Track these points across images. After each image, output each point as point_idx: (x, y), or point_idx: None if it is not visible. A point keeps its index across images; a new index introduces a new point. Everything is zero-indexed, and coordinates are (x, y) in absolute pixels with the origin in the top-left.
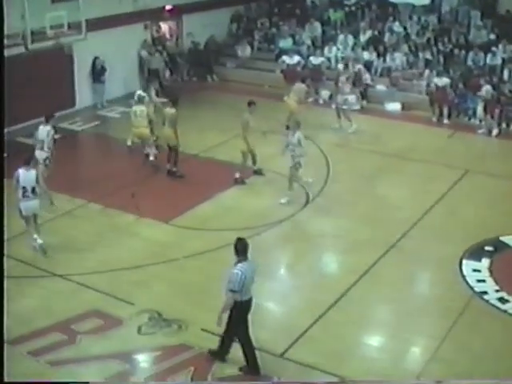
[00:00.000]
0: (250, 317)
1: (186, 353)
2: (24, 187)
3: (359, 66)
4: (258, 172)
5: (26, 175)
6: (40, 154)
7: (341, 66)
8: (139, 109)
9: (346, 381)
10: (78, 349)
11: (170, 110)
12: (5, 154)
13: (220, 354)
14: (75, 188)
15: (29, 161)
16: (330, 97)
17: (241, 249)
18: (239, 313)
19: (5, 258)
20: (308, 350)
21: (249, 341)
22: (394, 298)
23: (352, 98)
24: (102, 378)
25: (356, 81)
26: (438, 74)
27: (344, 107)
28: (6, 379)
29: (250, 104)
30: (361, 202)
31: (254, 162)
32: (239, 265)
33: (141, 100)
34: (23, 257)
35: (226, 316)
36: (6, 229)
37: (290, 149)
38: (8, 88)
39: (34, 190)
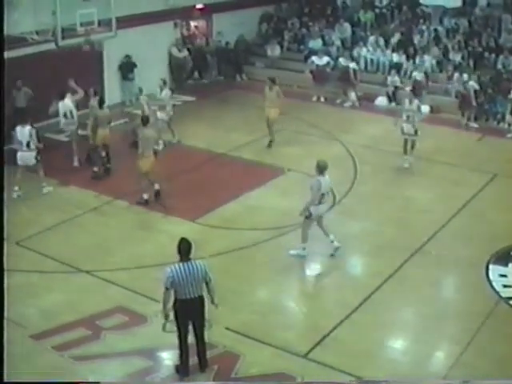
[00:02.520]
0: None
1: (210, 351)
2: (20, 141)
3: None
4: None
5: (22, 131)
6: (28, 155)
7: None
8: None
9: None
10: (102, 345)
11: (105, 111)
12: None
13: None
14: (102, 184)
15: (25, 118)
16: (359, 98)
17: (181, 249)
18: (176, 311)
19: (5, 258)
20: (332, 351)
21: (182, 342)
22: (418, 301)
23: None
24: (125, 375)
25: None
26: (469, 78)
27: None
28: (5, 379)
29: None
30: (387, 204)
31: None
32: (175, 264)
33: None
34: (50, 252)
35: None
36: (5, 229)
37: None
38: (38, 84)
39: (28, 143)
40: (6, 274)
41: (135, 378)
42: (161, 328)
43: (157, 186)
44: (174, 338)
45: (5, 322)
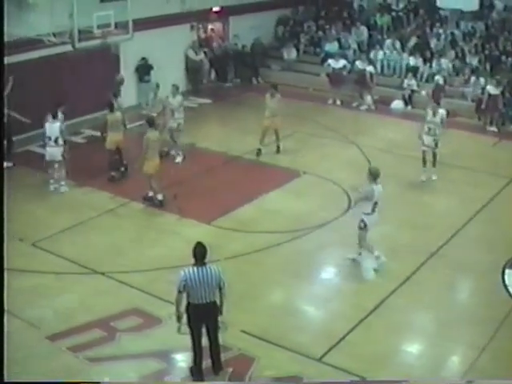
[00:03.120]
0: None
1: (224, 354)
2: (49, 137)
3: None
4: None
5: (51, 127)
6: (56, 151)
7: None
8: None
9: (398, 380)
10: (117, 346)
11: (116, 114)
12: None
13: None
14: (117, 186)
15: (55, 114)
16: (375, 102)
17: (196, 253)
18: (188, 315)
19: (5, 258)
20: (347, 355)
21: (196, 344)
22: (434, 305)
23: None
24: (139, 376)
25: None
26: (490, 82)
27: None
28: (5, 379)
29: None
30: (404, 207)
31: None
32: (189, 267)
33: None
34: (65, 253)
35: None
36: (5, 229)
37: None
38: (55, 86)
39: (56, 139)
40: (5, 273)
41: (149, 379)
42: (175, 330)
43: (160, 197)
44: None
45: (5, 320)
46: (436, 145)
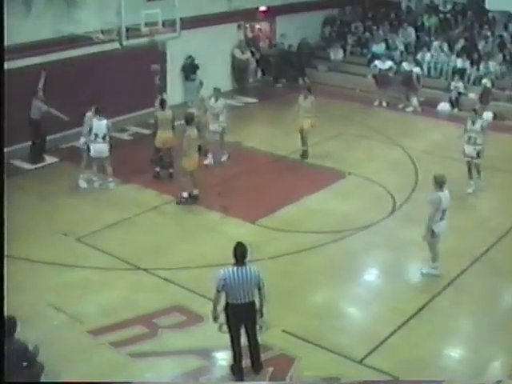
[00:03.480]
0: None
1: (265, 353)
2: (96, 133)
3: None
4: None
5: (98, 124)
6: (103, 148)
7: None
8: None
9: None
10: (158, 342)
11: (166, 112)
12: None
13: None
14: (163, 184)
15: (100, 111)
16: (421, 103)
17: (236, 253)
18: (227, 314)
19: (5, 258)
20: (387, 358)
21: (235, 344)
22: (477, 310)
23: None
24: (180, 373)
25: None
26: None
27: None
28: (5, 379)
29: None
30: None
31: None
32: (228, 267)
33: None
34: (109, 249)
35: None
36: (6, 228)
37: None
38: (103, 83)
39: (104, 136)
40: (5, 273)
41: (190, 376)
42: (217, 328)
43: (195, 192)
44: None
45: (5, 321)
46: (478, 154)
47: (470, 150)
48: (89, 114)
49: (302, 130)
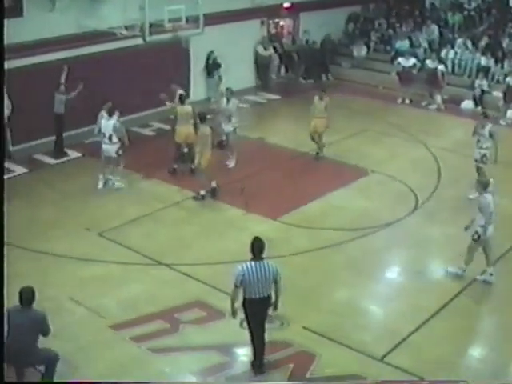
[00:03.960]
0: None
1: (286, 350)
2: (104, 133)
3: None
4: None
5: (106, 124)
6: (111, 148)
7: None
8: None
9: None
10: (179, 338)
11: (186, 107)
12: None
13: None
14: (185, 179)
15: (110, 111)
16: (444, 101)
17: (254, 248)
18: (245, 309)
19: (5, 257)
20: (408, 356)
21: (256, 338)
22: (500, 309)
23: None
24: (201, 368)
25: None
26: None
27: None
28: (6, 379)
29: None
30: (471, 209)
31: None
32: (246, 262)
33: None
34: (131, 244)
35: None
36: (5, 227)
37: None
38: (127, 78)
39: (110, 137)
40: (5, 273)
41: (210, 372)
42: (238, 324)
43: (213, 184)
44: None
45: (5, 320)
46: (482, 158)
47: (476, 153)
48: (102, 113)
49: (316, 132)
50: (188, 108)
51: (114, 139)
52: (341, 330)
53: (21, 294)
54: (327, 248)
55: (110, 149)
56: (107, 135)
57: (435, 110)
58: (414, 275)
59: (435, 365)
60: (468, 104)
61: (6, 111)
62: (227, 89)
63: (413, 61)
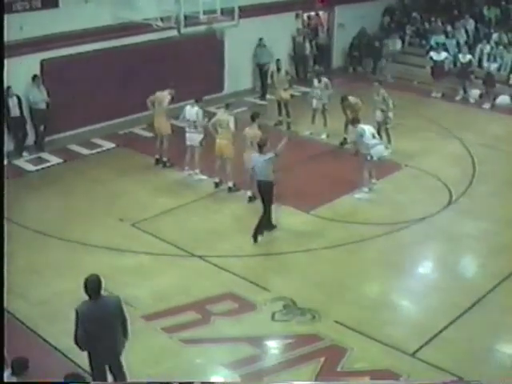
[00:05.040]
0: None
1: (317, 343)
2: (188, 120)
3: None
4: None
5: (190, 111)
6: (195, 137)
7: None
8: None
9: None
10: (211, 329)
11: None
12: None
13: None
14: (222, 172)
15: (198, 100)
16: (480, 96)
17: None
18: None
19: (5, 257)
20: (440, 352)
21: None
22: None
23: None
24: (232, 360)
25: None
26: None
27: None
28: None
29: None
30: (506, 205)
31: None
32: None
33: None
34: (164, 235)
35: None
36: (5, 227)
37: None
38: (160, 71)
39: (195, 124)
40: (5, 272)
41: (241, 364)
42: (270, 317)
43: (249, 193)
44: (282, 328)
45: (5, 320)
46: None
47: None
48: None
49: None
50: (225, 116)
51: (199, 127)
52: (372, 324)
53: (86, 285)
54: (359, 242)
55: (195, 137)
56: (192, 122)
57: (470, 104)
58: (447, 270)
59: (467, 361)
60: (504, 99)
61: (44, 101)
62: (316, 69)
63: (444, 55)
